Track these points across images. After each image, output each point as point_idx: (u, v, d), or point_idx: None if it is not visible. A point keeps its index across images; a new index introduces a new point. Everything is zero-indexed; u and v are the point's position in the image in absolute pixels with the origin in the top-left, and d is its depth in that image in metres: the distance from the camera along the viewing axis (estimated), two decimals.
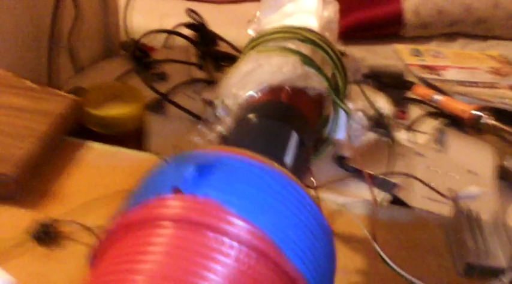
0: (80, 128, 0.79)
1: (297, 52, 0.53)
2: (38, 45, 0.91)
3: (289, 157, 0.44)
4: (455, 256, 0.67)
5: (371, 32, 1.41)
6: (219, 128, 0.50)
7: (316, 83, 0.53)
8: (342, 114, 0.56)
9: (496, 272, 0.64)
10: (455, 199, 0.71)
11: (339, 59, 0.58)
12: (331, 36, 0.62)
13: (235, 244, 0.30)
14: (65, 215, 0.59)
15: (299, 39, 0.56)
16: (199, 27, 1.11)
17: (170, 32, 1.13)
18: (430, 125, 1.09)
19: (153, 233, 0.30)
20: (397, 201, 0.85)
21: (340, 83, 0.57)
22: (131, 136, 0.85)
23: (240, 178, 0.34)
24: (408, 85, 1.17)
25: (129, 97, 0.85)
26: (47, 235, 0.56)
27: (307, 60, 0.53)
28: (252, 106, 0.49)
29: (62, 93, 0.72)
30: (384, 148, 1.01)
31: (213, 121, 0.51)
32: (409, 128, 1.09)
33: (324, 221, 0.37)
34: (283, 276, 0.32)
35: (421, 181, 0.82)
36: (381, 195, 0.89)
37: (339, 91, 0.57)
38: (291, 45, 0.55)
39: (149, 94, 1.00)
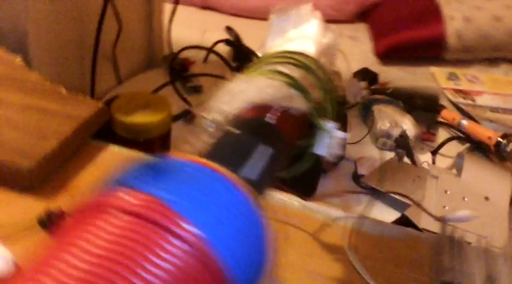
0: (109, 133, 0.88)
1: (285, 75, 0.60)
2: (82, 56, 1.01)
3: (250, 167, 0.50)
4: (433, 274, 0.71)
5: (412, 54, 1.46)
6: (206, 139, 0.57)
7: (299, 104, 0.60)
8: (325, 133, 0.63)
9: None
10: (442, 221, 0.76)
11: (329, 83, 0.65)
12: (328, 61, 0.69)
13: (176, 242, 0.37)
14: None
15: (291, 64, 0.63)
16: (235, 44, 1.19)
17: (203, 49, 1.22)
18: (457, 149, 1.13)
19: (101, 218, 0.37)
20: (407, 222, 0.90)
21: (327, 105, 0.64)
22: (156, 144, 0.93)
23: (184, 180, 0.42)
24: (439, 109, 1.21)
25: (157, 107, 0.94)
26: (52, 223, 0.65)
27: (292, 83, 0.59)
28: (233, 121, 0.56)
29: (90, 99, 0.81)
30: (404, 168, 1.06)
31: (202, 133, 0.58)
32: (434, 151, 1.13)
33: (261, 225, 0.44)
34: (215, 277, 0.38)
35: (415, 202, 0.87)
36: (392, 214, 0.94)
37: (325, 113, 0.63)
38: (283, 68, 0.62)
39: (183, 106, 1.09)
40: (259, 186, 0.50)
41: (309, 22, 0.70)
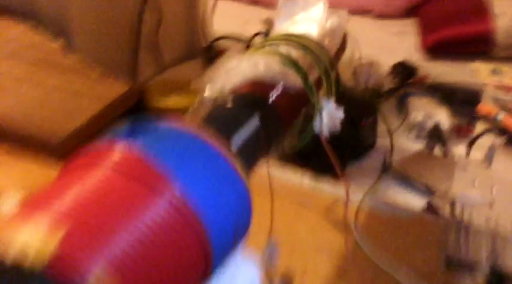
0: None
1: (280, 54, 0.65)
2: (123, 43, 1.08)
3: (236, 135, 0.55)
4: (441, 251, 0.74)
5: (459, 49, 1.47)
6: (203, 111, 0.63)
7: (294, 81, 0.64)
8: (322, 110, 0.67)
9: (474, 267, 0.72)
10: (451, 201, 0.79)
11: (330, 64, 0.69)
12: (332, 42, 0.73)
13: (158, 197, 0.42)
14: None
15: (291, 45, 0.68)
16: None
17: (235, 39, 1.28)
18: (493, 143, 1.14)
19: (90, 168, 0.44)
20: (432, 210, 0.92)
21: (325, 84, 0.68)
22: None
23: (167, 138, 0.47)
24: (478, 103, 1.22)
25: (189, 94, 1.00)
26: None
27: (286, 61, 0.64)
28: (227, 95, 0.62)
29: (119, 82, 0.89)
30: (434, 159, 1.08)
31: (200, 106, 0.64)
32: (469, 144, 1.14)
33: (240, 187, 0.49)
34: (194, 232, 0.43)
35: (430, 189, 0.89)
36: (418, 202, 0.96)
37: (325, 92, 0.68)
38: (281, 49, 0.67)
39: None
40: (244, 153, 0.55)
41: (316, 6, 0.74)
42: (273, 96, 0.63)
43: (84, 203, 0.40)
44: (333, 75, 0.69)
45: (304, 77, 0.64)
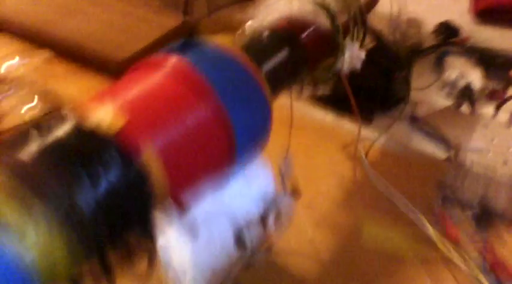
0: None
1: None
2: None
3: (269, 63, 0.70)
4: (440, 189, 0.87)
5: (508, 17, 1.54)
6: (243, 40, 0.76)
7: (323, 22, 0.77)
8: (345, 49, 0.80)
9: (466, 205, 0.84)
10: (457, 148, 0.91)
11: (359, 11, 0.81)
12: None
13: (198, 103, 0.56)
14: None
15: None
16: None
17: None
18: None
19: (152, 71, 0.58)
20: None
21: (352, 29, 0.80)
22: None
23: (212, 56, 0.62)
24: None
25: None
26: None
27: (318, 4, 0.77)
28: (265, 28, 0.75)
29: (177, 14, 1.02)
30: (460, 116, 1.18)
31: (241, 36, 0.77)
32: (497, 105, 1.23)
33: (264, 103, 0.63)
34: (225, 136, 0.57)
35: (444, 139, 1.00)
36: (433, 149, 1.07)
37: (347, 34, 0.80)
38: None
39: None
40: (272, 78, 0.68)
41: None
42: (303, 33, 0.76)
43: (143, 98, 0.55)
44: (360, 21, 0.81)
45: (333, 19, 0.77)
